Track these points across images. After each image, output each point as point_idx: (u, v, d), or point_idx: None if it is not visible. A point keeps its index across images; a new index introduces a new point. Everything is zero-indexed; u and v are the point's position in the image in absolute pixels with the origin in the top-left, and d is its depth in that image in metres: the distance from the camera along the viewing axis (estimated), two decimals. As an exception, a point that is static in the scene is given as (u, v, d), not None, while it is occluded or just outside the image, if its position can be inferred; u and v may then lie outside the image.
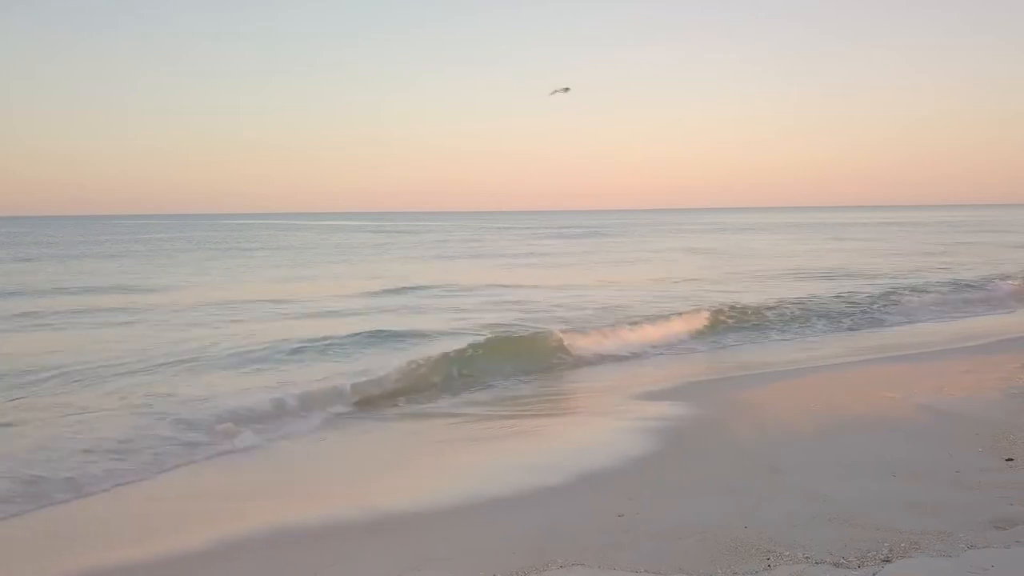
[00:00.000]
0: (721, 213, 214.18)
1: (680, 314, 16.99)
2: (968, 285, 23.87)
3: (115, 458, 8.07)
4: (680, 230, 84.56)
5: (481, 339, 14.17)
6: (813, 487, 6.84)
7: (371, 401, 10.83)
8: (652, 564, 5.40)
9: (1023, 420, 8.75)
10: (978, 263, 33.22)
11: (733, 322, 17.02)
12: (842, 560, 5.27)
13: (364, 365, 12.58)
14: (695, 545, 5.69)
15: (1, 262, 42.69)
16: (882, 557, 5.29)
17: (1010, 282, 24.09)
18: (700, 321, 16.61)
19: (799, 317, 17.96)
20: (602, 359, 14.00)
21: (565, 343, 14.19)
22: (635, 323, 16.08)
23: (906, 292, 21.92)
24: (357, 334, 15.29)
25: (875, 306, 19.81)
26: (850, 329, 17.43)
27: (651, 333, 15.52)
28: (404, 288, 25.13)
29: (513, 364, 13.05)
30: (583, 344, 14.34)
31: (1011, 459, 7.37)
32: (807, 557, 5.34)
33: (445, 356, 12.76)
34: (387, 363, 12.40)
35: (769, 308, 18.41)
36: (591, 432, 9.34)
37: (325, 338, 14.88)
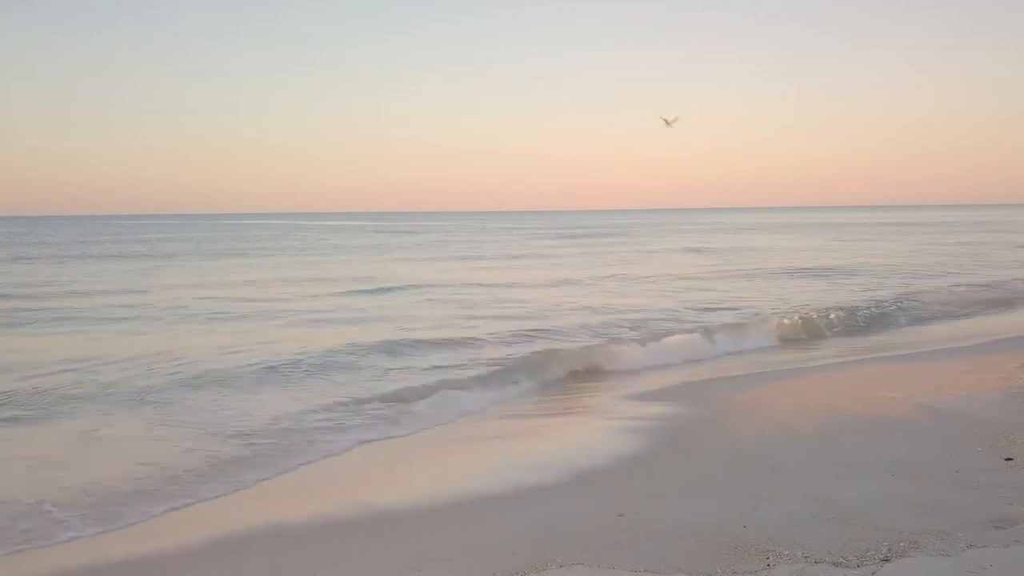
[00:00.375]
0: (721, 213, 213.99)
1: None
2: (984, 285, 24.06)
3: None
4: (697, 230, 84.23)
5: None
6: (812, 487, 6.84)
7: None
8: (652, 564, 5.40)
9: (1022, 420, 8.75)
10: (991, 263, 33.44)
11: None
12: (841, 559, 5.28)
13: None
14: (695, 545, 5.69)
15: (106, 259, 42.96)
16: (881, 556, 5.29)
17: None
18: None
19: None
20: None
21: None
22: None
23: (929, 293, 22.20)
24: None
25: (897, 306, 19.93)
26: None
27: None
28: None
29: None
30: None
31: (1010, 459, 7.38)
32: (806, 556, 5.35)
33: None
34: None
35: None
36: (588, 432, 9.34)
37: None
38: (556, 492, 7.17)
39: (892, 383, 11.20)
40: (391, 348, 14.62)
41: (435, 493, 7.23)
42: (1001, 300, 21.69)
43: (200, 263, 41.45)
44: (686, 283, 27.71)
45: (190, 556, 6.07)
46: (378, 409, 10.38)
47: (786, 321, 17.19)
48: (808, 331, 16.98)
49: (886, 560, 5.23)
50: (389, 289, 26.29)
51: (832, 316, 18.03)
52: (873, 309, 19.35)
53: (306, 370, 12.80)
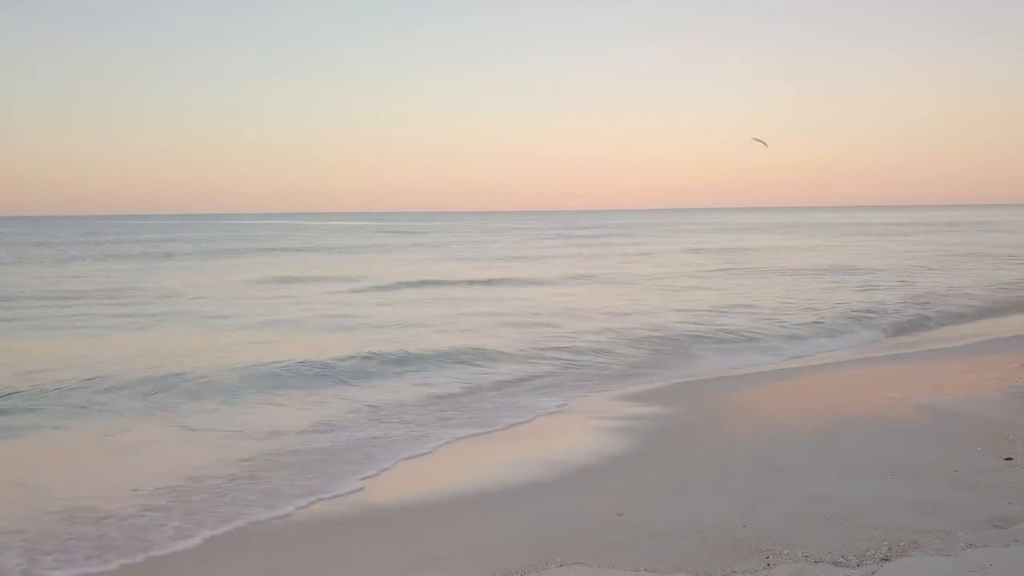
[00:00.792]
0: (722, 213, 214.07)
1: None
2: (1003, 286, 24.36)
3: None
4: (711, 230, 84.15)
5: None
6: (812, 486, 6.84)
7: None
8: (652, 563, 5.40)
9: (1022, 420, 8.75)
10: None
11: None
12: (841, 559, 5.28)
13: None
14: (695, 544, 5.69)
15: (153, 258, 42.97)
16: (881, 556, 5.29)
17: None
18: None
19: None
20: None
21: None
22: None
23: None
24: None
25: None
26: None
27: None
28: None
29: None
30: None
31: (1010, 458, 7.38)
32: (806, 556, 5.35)
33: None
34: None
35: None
36: (587, 432, 9.33)
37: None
38: (556, 491, 7.17)
39: (892, 383, 11.20)
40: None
41: (436, 492, 7.25)
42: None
43: (240, 260, 41.65)
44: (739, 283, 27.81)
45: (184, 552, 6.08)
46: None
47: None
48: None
49: (886, 560, 5.23)
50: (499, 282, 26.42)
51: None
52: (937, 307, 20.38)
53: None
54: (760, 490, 6.83)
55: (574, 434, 9.25)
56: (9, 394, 11.24)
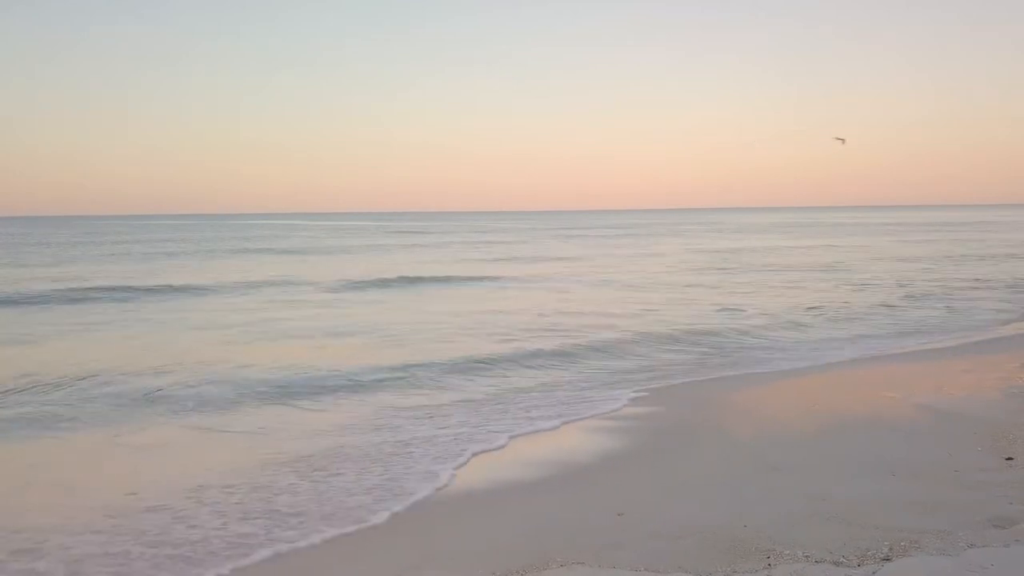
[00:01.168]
0: (722, 213, 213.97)
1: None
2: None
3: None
4: (725, 229, 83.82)
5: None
6: (813, 486, 6.84)
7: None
8: (652, 563, 5.39)
9: (1022, 419, 8.75)
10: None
11: None
12: (842, 559, 5.27)
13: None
14: (695, 544, 5.69)
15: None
16: (882, 556, 5.29)
17: None
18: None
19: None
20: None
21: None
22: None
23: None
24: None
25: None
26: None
27: None
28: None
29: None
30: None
31: (1011, 458, 7.38)
32: (807, 556, 5.34)
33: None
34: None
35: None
36: (588, 431, 9.32)
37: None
38: (556, 491, 7.17)
39: (892, 383, 11.20)
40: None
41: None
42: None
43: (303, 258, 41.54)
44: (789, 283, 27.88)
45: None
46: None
47: None
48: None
49: (887, 559, 5.22)
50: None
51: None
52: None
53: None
54: (761, 490, 6.83)
55: (574, 433, 9.24)
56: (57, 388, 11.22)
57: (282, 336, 16.84)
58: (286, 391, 11.46)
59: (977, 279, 27.37)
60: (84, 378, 12.11)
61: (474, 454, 8.38)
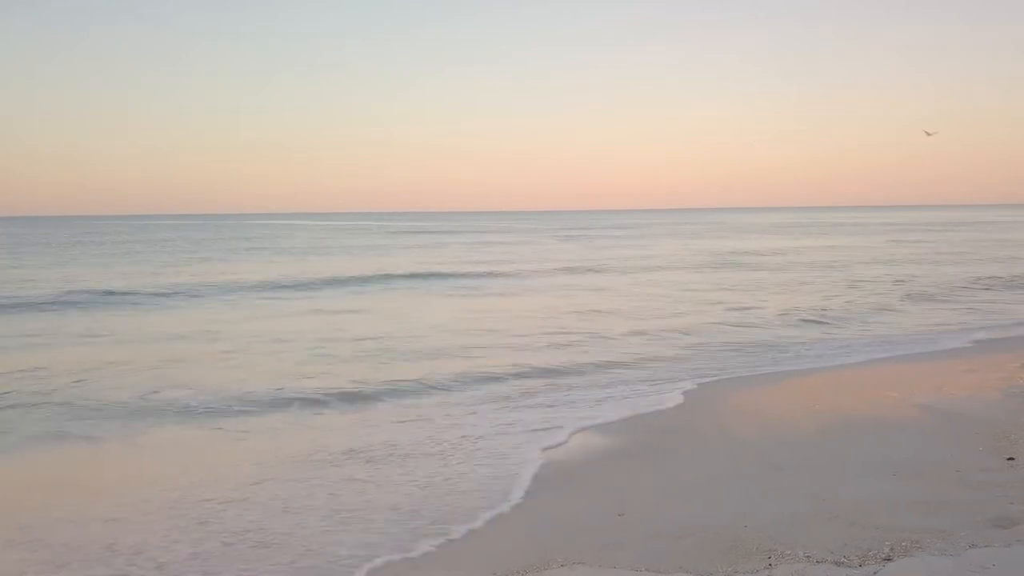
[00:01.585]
0: (722, 213, 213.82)
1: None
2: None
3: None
4: (740, 229, 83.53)
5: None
6: (814, 486, 6.84)
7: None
8: (653, 563, 5.39)
9: (1023, 420, 8.76)
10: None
11: None
12: (843, 559, 5.27)
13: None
14: (696, 544, 5.68)
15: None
16: (883, 556, 5.28)
17: None
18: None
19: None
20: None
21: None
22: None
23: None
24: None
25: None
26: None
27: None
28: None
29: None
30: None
31: (1012, 458, 7.37)
32: (808, 556, 5.34)
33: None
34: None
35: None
36: (585, 432, 9.31)
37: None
38: (556, 490, 7.16)
39: (894, 383, 11.20)
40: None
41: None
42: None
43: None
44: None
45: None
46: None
47: None
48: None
49: (888, 559, 5.22)
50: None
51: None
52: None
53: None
54: (761, 490, 6.82)
55: (575, 432, 9.23)
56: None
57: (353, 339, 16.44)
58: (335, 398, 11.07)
59: (977, 278, 27.38)
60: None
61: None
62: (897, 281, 26.86)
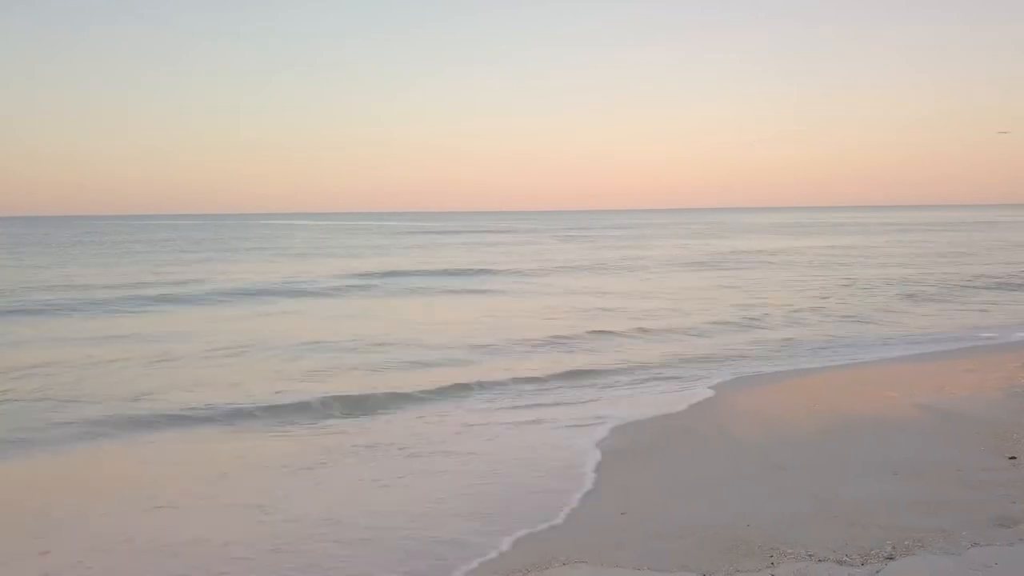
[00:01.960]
0: (723, 213, 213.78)
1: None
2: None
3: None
4: (745, 229, 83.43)
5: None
6: (816, 486, 6.84)
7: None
8: (655, 562, 5.39)
9: (1025, 419, 8.75)
10: None
11: None
12: (845, 558, 5.27)
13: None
14: (698, 543, 5.68)
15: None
16: (885, 555, 5.28)
17: None
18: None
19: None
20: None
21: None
22: None
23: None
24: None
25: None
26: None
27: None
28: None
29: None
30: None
31: (1014, 457, 7.38)
32: (810, 555, 5.34)
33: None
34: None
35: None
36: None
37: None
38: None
39: (895, 383, 11.20)
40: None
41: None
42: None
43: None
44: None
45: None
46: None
47: None
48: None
49: (890, 559, 5.22)
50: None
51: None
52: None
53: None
54: (763, 489, 6.82)
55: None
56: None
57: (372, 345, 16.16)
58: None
59: (978, 278, 27.39)
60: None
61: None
62: (897, 281, 26.88)
